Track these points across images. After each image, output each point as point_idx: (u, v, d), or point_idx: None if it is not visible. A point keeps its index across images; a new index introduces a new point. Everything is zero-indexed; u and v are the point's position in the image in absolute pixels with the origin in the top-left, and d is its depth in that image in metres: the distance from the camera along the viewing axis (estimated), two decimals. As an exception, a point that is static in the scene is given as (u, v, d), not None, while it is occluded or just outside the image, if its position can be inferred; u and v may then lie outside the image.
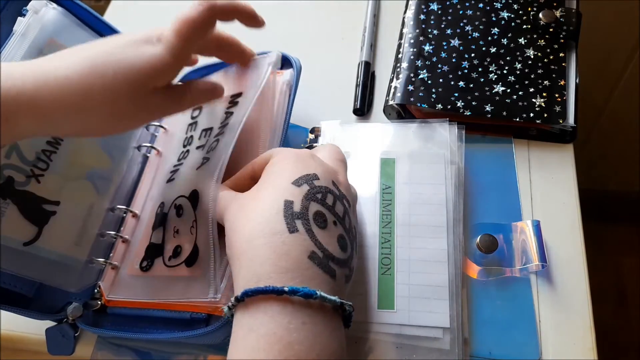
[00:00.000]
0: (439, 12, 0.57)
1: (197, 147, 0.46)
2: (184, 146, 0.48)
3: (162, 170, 0.50)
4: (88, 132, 0.38)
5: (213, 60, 0.56)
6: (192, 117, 0.50)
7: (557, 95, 0.50)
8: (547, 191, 0.48)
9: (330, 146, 0.41)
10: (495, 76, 0.52)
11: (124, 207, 0.48)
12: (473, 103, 0.50)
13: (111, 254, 0.47)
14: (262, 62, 0.47)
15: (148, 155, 0.52)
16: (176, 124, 0.52)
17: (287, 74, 0.49)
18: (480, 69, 0.53)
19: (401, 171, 0.47)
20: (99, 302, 0.45)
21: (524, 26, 0.54)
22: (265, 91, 0.48)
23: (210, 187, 0.41)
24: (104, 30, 0.49)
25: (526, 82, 0.51)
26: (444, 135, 0.48)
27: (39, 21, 0.44)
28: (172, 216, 0.44)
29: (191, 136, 0.48)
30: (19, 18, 0.43)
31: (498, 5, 0.56)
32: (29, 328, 0.47)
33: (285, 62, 0.52)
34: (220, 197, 0.39)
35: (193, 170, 0.44)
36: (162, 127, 0.53)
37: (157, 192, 0.48)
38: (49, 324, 0.45)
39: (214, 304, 0.39)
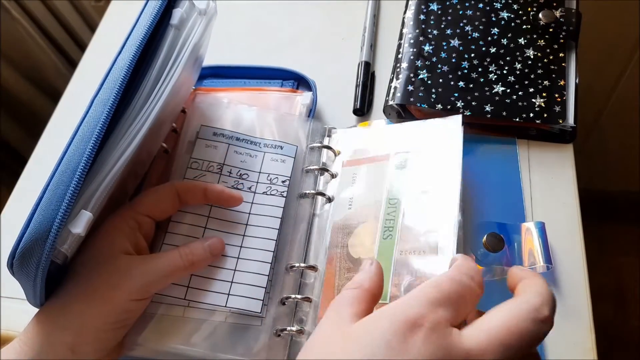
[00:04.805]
0: (439, 12, 0.57)
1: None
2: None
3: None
4: None
5: (219, 63, 0.57)
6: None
7: (556, 95, 0.50)
8: (547, 191, 0.48)
9: None
10: (495, 76, 0.52)
11: None
12: (473, 103, 0.51)
13: None
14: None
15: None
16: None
17: (307, 97, 0.51)
18: (480, 69, 0.53)
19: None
20: None
21: (524, 26, 0.55)
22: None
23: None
24: None
25: (526, 82, 0.51)
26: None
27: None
28: None
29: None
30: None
31: (498, 5, 0.56)
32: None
33: (303, 81, 0.54)
34: None
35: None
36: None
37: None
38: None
39: None
